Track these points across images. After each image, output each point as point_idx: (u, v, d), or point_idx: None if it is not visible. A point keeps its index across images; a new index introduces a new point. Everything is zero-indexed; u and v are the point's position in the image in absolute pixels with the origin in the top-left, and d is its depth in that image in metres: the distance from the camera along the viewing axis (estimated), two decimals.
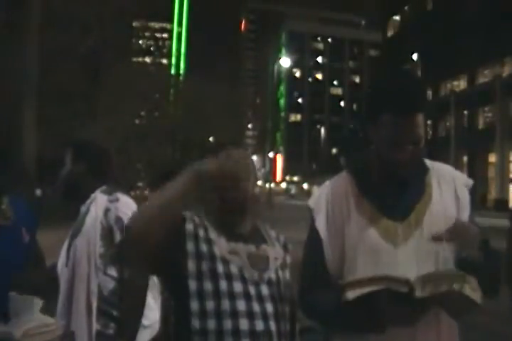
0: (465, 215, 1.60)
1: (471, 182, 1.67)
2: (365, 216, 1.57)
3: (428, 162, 1.68)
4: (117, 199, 2.28)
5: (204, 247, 1.58)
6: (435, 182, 1.63)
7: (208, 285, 1.54)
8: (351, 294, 1.34)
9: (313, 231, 1.63)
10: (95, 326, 2.17)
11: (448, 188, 1.62)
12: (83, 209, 2.34)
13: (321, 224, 1.62)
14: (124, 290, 2.18)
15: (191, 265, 1.55)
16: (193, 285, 1.54)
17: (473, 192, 1.66)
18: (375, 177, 1.62)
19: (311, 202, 1.67)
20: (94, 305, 2.18)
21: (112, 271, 2.21)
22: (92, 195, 2.34)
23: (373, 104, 1.59)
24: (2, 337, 1.62)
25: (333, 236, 1.59)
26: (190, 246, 1.57)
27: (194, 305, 1.53)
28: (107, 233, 2.22)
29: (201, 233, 1.60)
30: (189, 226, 1.60)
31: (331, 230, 1.60)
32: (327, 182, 1.71)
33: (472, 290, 1.34)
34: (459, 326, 1.59)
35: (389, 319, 1.39)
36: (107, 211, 2.24)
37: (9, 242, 1.94)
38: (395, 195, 1.58)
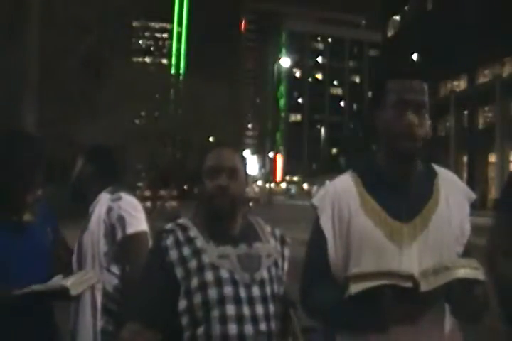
0: (467, 227, 1.62)
1: (473, 196, 1.68)
2: (371, 216, 1.57)
3: (436, 167, 1.69)
4: (120, 198, 2.32)
5: (193, 264, 1.59)
6: (443, 188, 1.63)
7: (198, 299, 1.56)
8: (354, 288, 1.33)
9: (317, 230, 1.62)
10: (99, 323, 2.20)
11: (454, 197, 1.63)
12: (91, 209, 2.39)
13: (325, 223, 1.61)
14: (125, 287, 2.20)
15: (182, 288, 1.58)
16: (183, 303, 1.57)
17: (474, 204, 1.68)
18: (381, 177, 1.61)
19: (316, 201, 1.66)
20: (99, 301, 2.21)
21: (115, 269, 2.24)
22: (99, 196, 2.39)
23: (380, 78, 1.64)
24: (58, 288, 1.81)
25: (338, 235, 1.59)
26: (179, 273, 1.59)
27: (184, 320, 1.56)
28: (110, 231, 2.26)
29: (186, 251, 1.61)
30: (173, 254, 1.61)
31: (336, 229, 1.59)
32: (332, 181, 1.71)
33: (473, 269, 1.34)
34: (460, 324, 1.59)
35: (392, 317, 1.39)
36: (109, 210, 2.28)
37: (36, 238, 1.99)
38: (401, 196, 1.58)
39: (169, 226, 1.68)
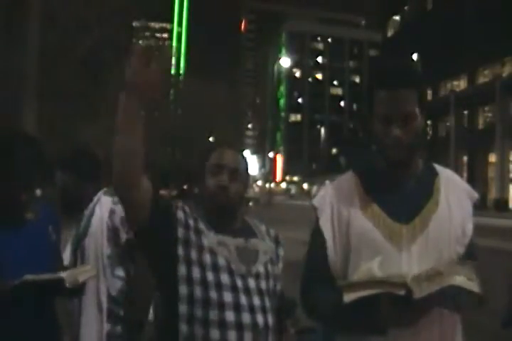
0: (469, 226, 1.60)
1: (476, 196, 1.67)
2: (370, 217, 1.56)
3: (437, 167, 1.68)
4: None
5: (193, 236, 1.61)
6: (443, 188, 1.62)
7: (196, 273, 1.56)
8: (347, 297, 1.33)
9: (317, 231, 1.62)
10: (105, 326, 2.19)
11: (455, 196, 1.62)
12: (86, 212, 2.36)
13: (325, 224, 1.61)
14: (131, 288, 2.20)
15: (180, 251, 1.58)
16: (182, 270, 1.57)
17: (476, 203, 1.67)
18: (381, 178, 1.61)
19: (316, 202, 1.66)
20: (105, 304, 2.20)
21: (120, 272, 2.23)
22: (95, 198, 2.36)
23: (368, 85, 1.62)
24: (54, 278, 1.81)
25: (338, 236, 1.59)
26: (180, 232, 1.60)
27: (182, 291, 1.56)
28: (113, 234, 2.25)
29: (191, 222, 1.63)
30: (180, 214, 1.63)
31: (335, 230, 1.59)
32: (332, 182, 1.71)
33: (468, 280, 1.32)
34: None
35: (390, 320, 1.38)
36: (112, 212, 2.27)
37: (36, 237, 1.99)
38: (400, 197, 1.57)
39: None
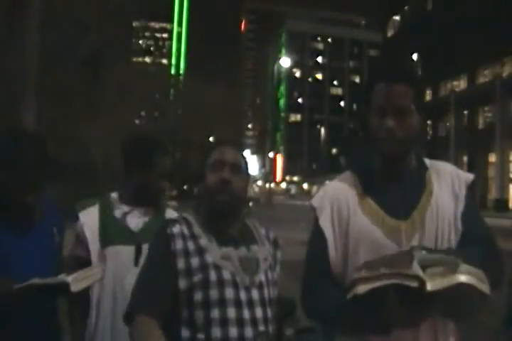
0: (459, 210, 1.60)
1: (471, 177, 1.67)
2: (369, 215, 1.57)
3: (427, 161, 1.70)
4: None
5: (195, 261, 1.59)
6: (434, 178, 1.64)
7: (198, 296, 1.55)
8: (362, 288, 1.32)
9: (317, 231, 1.62)
10: None
11: (446, 184, 1.64)
12: (147, 219, 2.18)
13: (325, 224, 1.62)
14: None
15: (182, 282, 1.57)
16: (184, 297, 1.56)
17: (473, 188, 1.66)
18: (378, 176, 1.62)
19: (315, 202, 1.67)
20: None
21: None
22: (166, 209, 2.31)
23: (367, 82, 1.66)
24: (59, 282, 1.80)
25: (337, 235, 1.59)
26: (180, 264, 1.58)
27: (184, 315, 1.55)
28: None
29: (191, 246, 1.61)
30: (178, 243, 1.60)
31: (335, 229, 1.60)
32: (331, 182, 1.72)
33: (480, 281, 1.33)
34: (460, 325, 1.59)
35: (395, 320, 1.37)
36: None
37: (42, 238, 1.99)
38: (398, 194, 1.59)
39: (175, 217, 1.69)
